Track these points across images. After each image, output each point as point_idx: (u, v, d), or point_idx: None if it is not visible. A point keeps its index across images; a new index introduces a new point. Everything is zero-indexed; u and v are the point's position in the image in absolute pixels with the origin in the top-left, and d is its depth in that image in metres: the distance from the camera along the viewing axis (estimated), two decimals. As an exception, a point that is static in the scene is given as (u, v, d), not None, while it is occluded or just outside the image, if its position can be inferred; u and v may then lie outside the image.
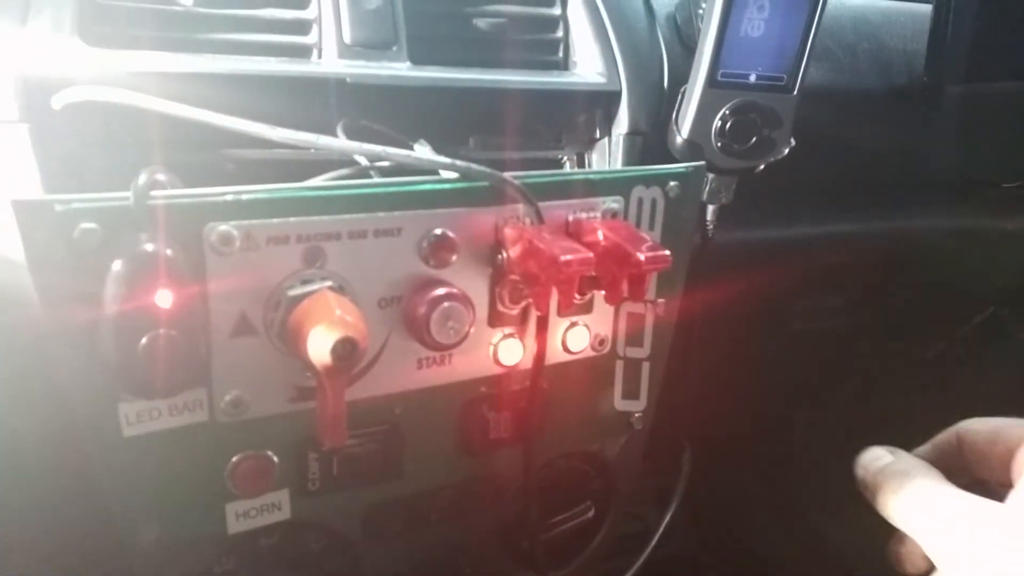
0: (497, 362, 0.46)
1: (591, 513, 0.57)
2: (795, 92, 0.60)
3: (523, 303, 0.46)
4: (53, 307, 0.34)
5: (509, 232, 0.43)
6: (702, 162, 0.51)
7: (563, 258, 0.39)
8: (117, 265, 0.33)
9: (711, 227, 0.64)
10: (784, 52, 0.59)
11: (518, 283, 0.44)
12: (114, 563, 0.43)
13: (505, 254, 0.43)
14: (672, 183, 0.48)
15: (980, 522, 0.40)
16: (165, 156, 0.47)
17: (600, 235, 0.44)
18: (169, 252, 0.34)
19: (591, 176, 0.46)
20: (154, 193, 0.34)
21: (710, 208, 0.64)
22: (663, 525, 0.59)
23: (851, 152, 0.76)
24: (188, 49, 0.51)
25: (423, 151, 0.52)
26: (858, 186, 0.79)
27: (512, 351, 0.47)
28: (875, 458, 0.46)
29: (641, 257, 0.41)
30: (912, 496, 0.43)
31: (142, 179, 0.34)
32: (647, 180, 0.47)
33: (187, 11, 0.52)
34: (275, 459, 0.42)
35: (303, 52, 0.55)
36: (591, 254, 0.40)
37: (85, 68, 0.46)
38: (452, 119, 0.59)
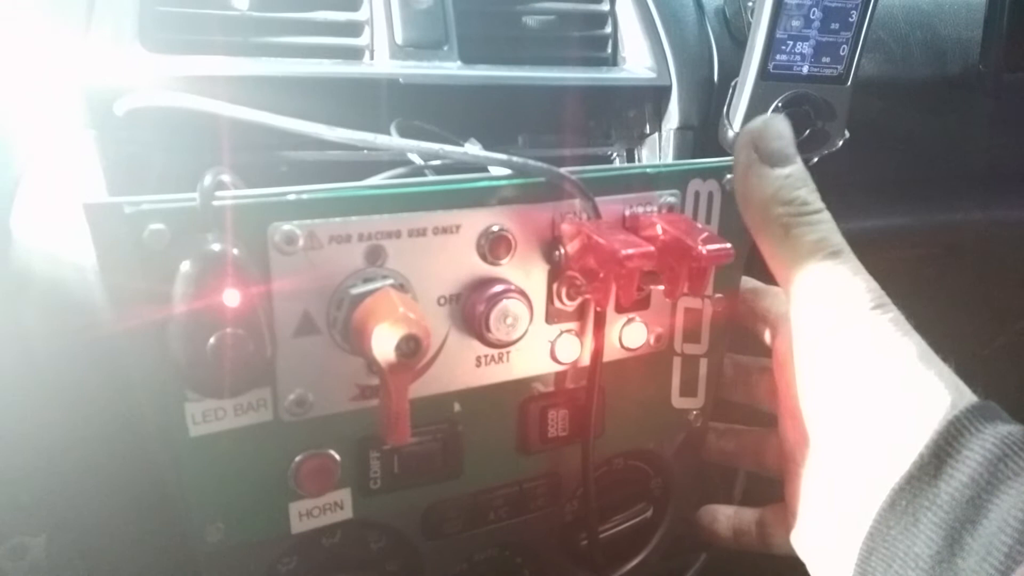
0: (555, 359, 0.46)
1: (649, 513, 0.56)
2: (849, 83, 0.60)
3: (580, 299, 0.45)
4: (122, 308, 0.34)
5: (567, 228, 0.43)
6: (759, 155, 0.50)
7: (624, 252, 0.39)
8: (185, 265, 0.33)
9: (764, 222, 0.64)
10: (837, 42, 0.58)
11: (575, 279, 0.44)
12: (176, 563, 0.44)
13: (563, 250, 0.43)
14: (729, 176, 0.47)
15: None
16: (222, 158, 0.47)
17: (659, 229, 0.43)
18: (236, 251, 0.34)
19: (647, 170, 0.45)
20: (219, 194, 0.35)
21: (764, 203, 0.63)
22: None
23: (906, 144, 0.75)
24: (244, 53, 0.52)
25: (474, 149, 0.52)
26: (914, 178, 0.78)
27: (570, 348, 0.46)
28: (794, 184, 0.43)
29: (703, 250, 0.40)
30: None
31: (207, 180, 0.34)
32: (704, 173, 0.46)
33: (243, 15, 0.53)
34: (338, 458, 0.42)
35: (356, 54, 0.56)
36: (652, 248, 0.40)
37: (146, 74, 0.47)
38: (501, 117, 0.59)
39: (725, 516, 0.55)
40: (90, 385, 0.44)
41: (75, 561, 0.50)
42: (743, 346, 0.52)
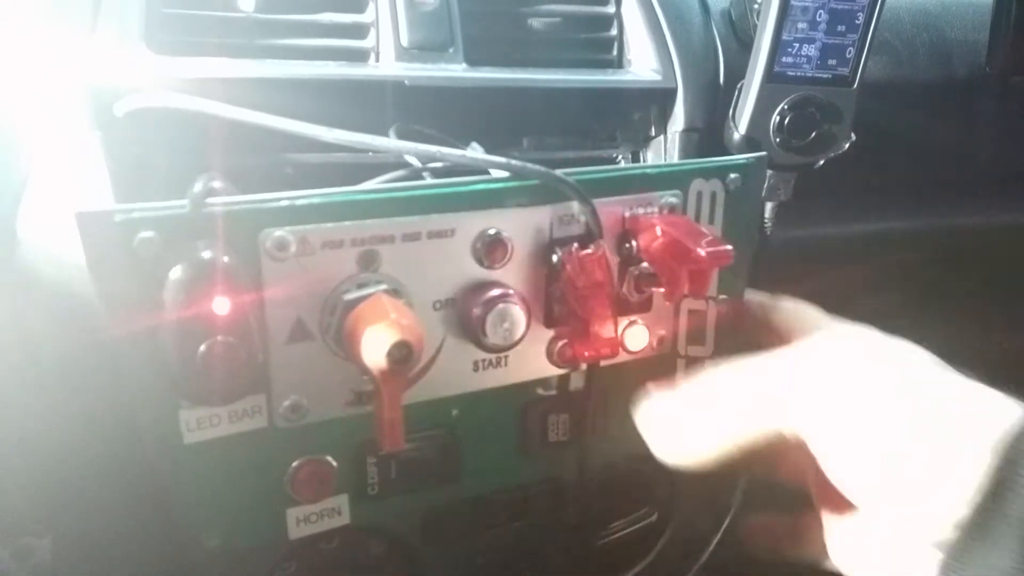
0: (554, 363, 0.46)
1: (654, 517, 0.56)
2: (855, 86, 0.59)
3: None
4: (114, 315, 0.34)
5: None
6: (763, 153, 0.50)
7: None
8: (175, 272, 0.33)
9: (769, 225, 0.63)
10: (843, 45, 0.58)
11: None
12: (177, 568, 0.44)
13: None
14: (732, 175, 0.46)
15: None
16: (225, 160, 0.47)
17: (658, 231, 0.43)
18: (226, 259, 0.34)
19: (647, 170, 0.45)
20: (210, 200, 0.35)
21: (768, 205, 0.63)
22: (718, 535, 0.58)
23: (911, 147, 0.74)
24: (249, 55, 0.52)
25: (473, 153, 0.52)
26: (918, 181, 0.77)
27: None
28: None
29: (702, 252, 0.40)
30: None
31: (198, 187, 0.34)
32: (706, 173, 0.46)
33: (248, 17, 0.53)
34: (334, 464, 0.42)
35: (361, 56, 0.56)
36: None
37: (151, 75, 0.47)
38: (506, 120, 0.59)
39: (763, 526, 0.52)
40: (94, 387, 0.44)
41: (80, 563, 0.51)
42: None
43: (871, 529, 0.42)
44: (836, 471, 0.38)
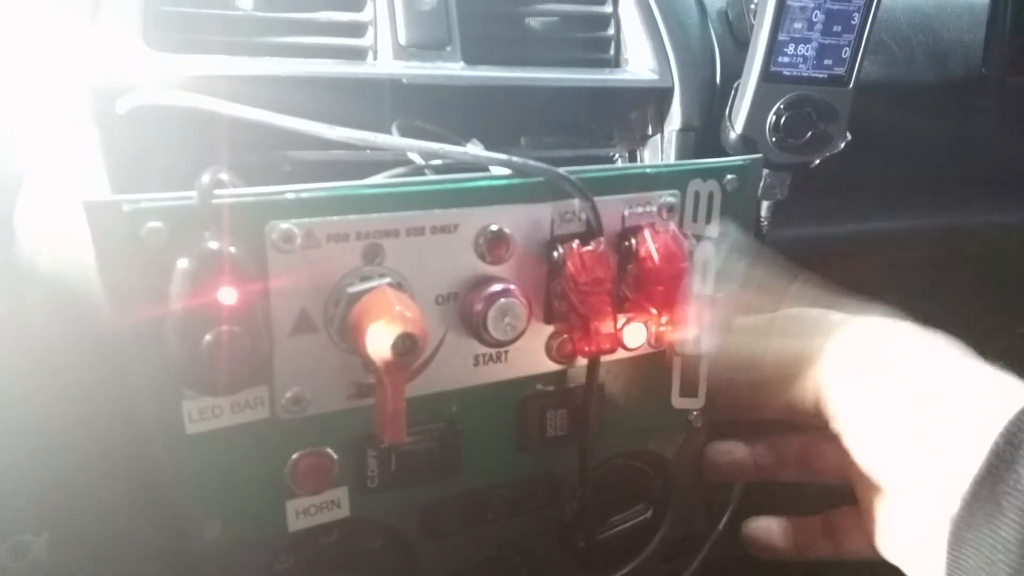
0: (552, 359, 0.46)
1: (649, 514, 0.56)
2: (851, 85, 0.60)
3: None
4: (120, 305, 0.35)
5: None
6: (759, 155, 0.50)
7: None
8: (182, 263, 0.33)
9: (765, 224, 0.64)
10: (839, 45, 0.58)
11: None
12: (175, 560, 0.44)
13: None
14: (729, 176, 0.47)
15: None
16: (224, 158, 0.47)
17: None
18: (232, 250, 0.34)
19: (647, 170, 0.45)
20: (217, 192, 0.35)
21: (764, 204, 0.63)
22: (716, 532, 0.58)
23: (907, 147, 0.75)
24: (248, 52, 0.52)
25: (476, 150, 0.52)
26: (915, 181, 0.77)
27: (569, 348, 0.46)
28: None
29: None
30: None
31: (206, 179, 0.34)
32: (704, 173, 0.47)
33: (247, 15, 0.53)
34: (335, 456, 0.42)
35: (359, 54, 0.56)
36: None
37: (150, 72, 0.47)
38: (504, 118, 0.59)
39: (783, 527, 0.54)
40: (92, 381, 0.44)
41: (77, 560, 0.50)
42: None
43: (900, 513, 0.44)
44: (864, 456, 0.43)
